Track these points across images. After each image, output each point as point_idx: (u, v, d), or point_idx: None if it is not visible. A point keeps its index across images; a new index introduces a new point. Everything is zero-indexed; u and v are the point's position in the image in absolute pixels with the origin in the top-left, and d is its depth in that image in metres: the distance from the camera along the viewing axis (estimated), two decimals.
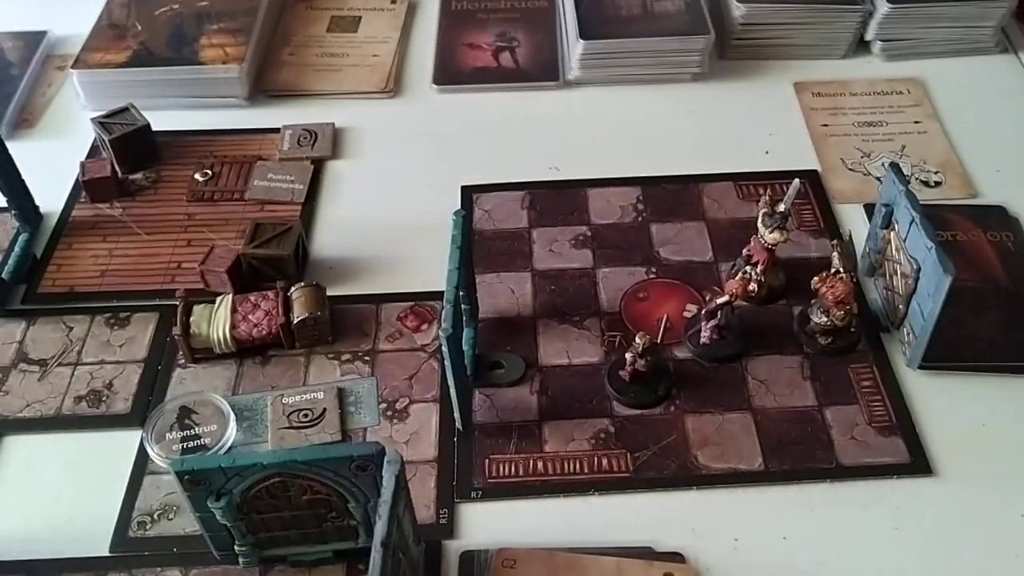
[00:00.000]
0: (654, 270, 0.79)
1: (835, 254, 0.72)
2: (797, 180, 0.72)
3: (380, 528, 0.50)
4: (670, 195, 0.86)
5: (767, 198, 0.74)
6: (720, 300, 0.71)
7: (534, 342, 0.74)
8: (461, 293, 0.71)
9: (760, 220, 0.74)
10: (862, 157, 0.90)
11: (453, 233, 0.67)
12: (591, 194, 0.86)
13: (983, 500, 0.65)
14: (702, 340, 0.72)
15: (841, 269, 0.71)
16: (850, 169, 0.89)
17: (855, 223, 0.83)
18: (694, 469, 0.67)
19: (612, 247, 0.81)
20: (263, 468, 0.54)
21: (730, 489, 0.66)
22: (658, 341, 0.69)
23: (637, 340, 0.68)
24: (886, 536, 0.63)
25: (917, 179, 0.88)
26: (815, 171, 0.88)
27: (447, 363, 0.63)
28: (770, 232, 0.73)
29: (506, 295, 0.78)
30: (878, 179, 0.87)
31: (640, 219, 0.84)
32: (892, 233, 0.73)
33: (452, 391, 0.65)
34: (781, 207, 0.73)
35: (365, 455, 0.54)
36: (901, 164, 0.89)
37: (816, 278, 0.72)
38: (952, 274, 0.65)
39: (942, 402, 0.71)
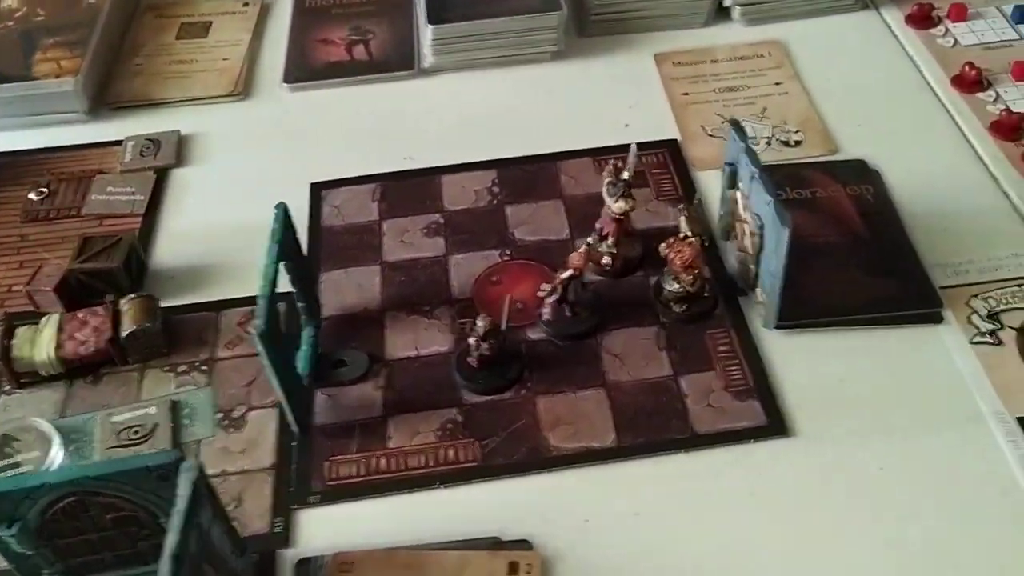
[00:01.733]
0: (508, 252, 0.77)
1: (682, 218, 0.70)
2: (634, 145, 0.70)
3: (171, 540, 0.47)
4: (527, 175, 0.83)
5: (611, 167, 0.72)
6: (564, 275, 0.68)
7: (381, 336, 0.71)
8: (296, 291, 0.68)
9: (605, 190, 0.71)
10: (723, 123, 0.88)
11: (272, 227, 0.64)
12: (445, 181, 0.83)
13: (840, 456, 0.63)
14: (544, 317, 0.69)
15: (689, 233, 0.69)
16: (710, 135, 0.87)
17: (715, 189, 0.81)
18: (545, 452, 0.64)
19: (465, 232, 0.78)
20: (52, 488, 0.50)
21: (581, 469, 0.63)
22: (503, 323, 0.66)
23: (479, 323, 0.65)
24: (741, 501, 0.61)
25: (778, 139, 0.86)
26: (675, 140, 0.86)
27: (265, 363, 0.59)
28: (615, 201, 0.71)
29: (353, 290, 0.75)
30: None
31: (495, 202, 0.81)
32: (738, 192, 0.71)
33: (278, 392, 0.61)
34: (625, 175, 0.71)
35: (162, 464, 0.50)
36: (762, 126, 0.88)
37: (663, 244, 0.69)
38: (789, 226, 0.63)
39: (801, 361, 0.69)
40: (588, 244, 0.69)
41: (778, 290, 0.67)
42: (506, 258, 0.76)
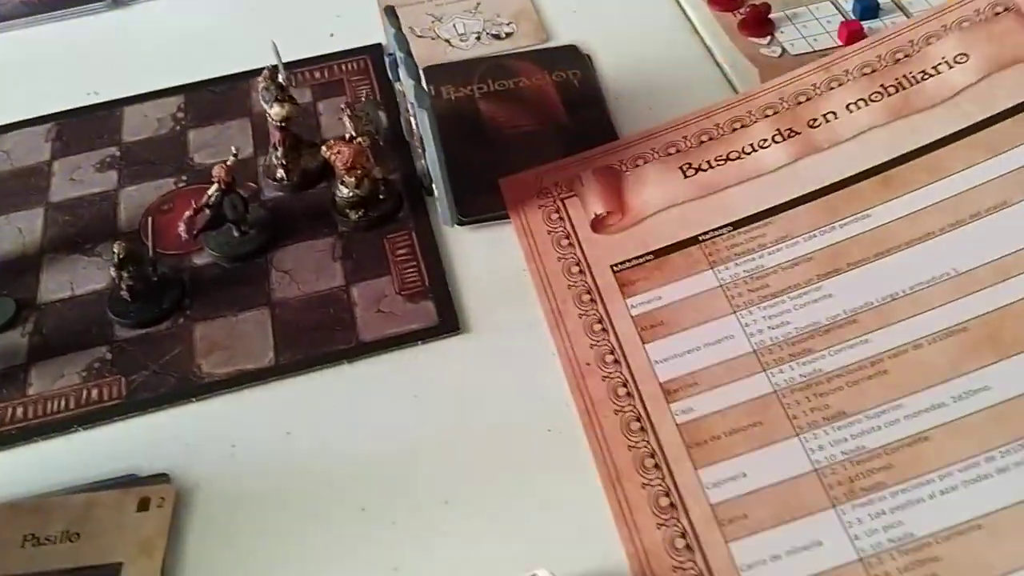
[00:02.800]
0: (184, 178, 0.71)
1: (345, 118, 0.65)
2: (273, 41, 0.65)
3: None
4: (215, 97, 0.77)
5: (266, 72, 0.67)
6: (211, 191, 0.63)
7: (36, 280, 0.65)
8: None
9: (260, 97, 0.66)
10: (433, 22, 0.83)
11: None
12: (127, 112, 0.77)
13: (514, 346, 0.60)
14: (183, 238, 0.64)
15: (352, 133, 0.65)
16: (419, 36, 0.82)
17: None
18: (196, 380, 0.59)
19: (142, 163, 0.73)
20: None
21: (233, 394, 0.59)
22: (149, 249, 0.61)
23: (114, 250, 0.60)
24: (403, 406, 0.57)
25: (488, 33, 0.82)
26: (379, 44, 0.81)
27: None
28: (271, 107, 0.66)
29: (12, 236, 0.69)
30: (447, 41, 0.81)
31: (178, 128, 0.75)
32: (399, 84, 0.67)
33: None
34: (280, 78, 0.66)
35: None
36: (474, 21, 0.84)
37: (323, 147, 0.65)
38: (426, 108, 0.58)
39: (486, 255, 0.65)
40: (234, 155, 0.64)
41: (442, 181, 0.63)
42: (181, 185, 0.71)
